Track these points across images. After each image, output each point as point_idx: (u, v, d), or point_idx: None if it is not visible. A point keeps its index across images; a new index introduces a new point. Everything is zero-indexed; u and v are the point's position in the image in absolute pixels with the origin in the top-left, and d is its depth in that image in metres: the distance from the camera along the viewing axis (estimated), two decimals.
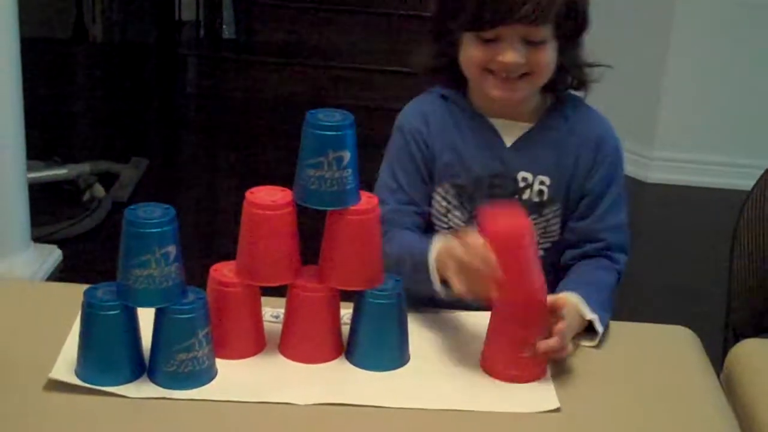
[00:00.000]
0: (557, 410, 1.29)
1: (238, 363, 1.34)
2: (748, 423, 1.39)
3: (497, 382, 1.34)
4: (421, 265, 1.40)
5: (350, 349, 1.37)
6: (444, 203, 1.55)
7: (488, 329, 1.36)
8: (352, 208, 1.32)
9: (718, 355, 1.61)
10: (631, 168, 3.50)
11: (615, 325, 1.49)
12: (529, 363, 1.32)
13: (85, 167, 3.48)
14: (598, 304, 1.43)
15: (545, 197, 1.53)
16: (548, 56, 1.46)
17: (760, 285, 1.73)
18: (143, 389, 1.27)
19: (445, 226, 1.56)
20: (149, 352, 1.29)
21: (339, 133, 1.29)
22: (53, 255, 2.99)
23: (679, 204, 3.77)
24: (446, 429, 1.26)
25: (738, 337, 1.65)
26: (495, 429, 1.26)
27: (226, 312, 1.34)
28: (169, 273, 1.25)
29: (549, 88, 1.53)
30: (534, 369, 1.33)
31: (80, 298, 1.27)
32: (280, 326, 1.38)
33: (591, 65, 1.54)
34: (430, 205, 1.56)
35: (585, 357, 1.41)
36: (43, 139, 3.88)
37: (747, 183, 1.77)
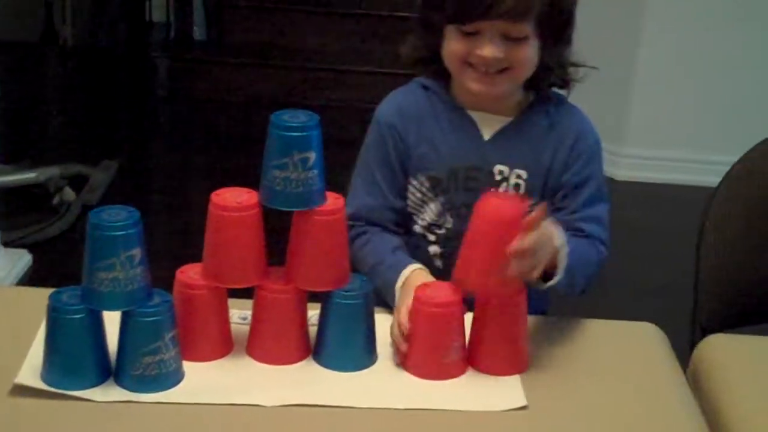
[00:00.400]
0: (524, 408, 1.29)
1: (206, 365, 1.34)
2: (713, 417, 1.40)
3: (464, 381, 1.34)
4: (390, 289, 1.45)
5: (318, 350, 1.37)
6: (419, 195, 1.55)
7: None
8: (318, 208, 1.32)
9: (685, 351, 1.61)
10: None
11: (582, 323, 1.50)
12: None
13: (54, 170, 3.45)
14: (571, 255, 1.39)
15: (521, 191, 1.53)
16: (528, 53, 1.46)
17: (727, 281, 1.74)
18: (109, 393, 1.27)
19: (421, 218, 1.56)
20: (115, 355, 1.29)
21: (304, 134, 1.29)
22: (23, 259, 2.97)
23: (648, 201, 3.79)
24: (414, 428, 1.26)
25: (705, 333, 1.66)
26: (463, 427, 1.27)
27: (193, 314, 1.34)
28: (135, 276, 1.24)
29: (532, 85, 1.54)
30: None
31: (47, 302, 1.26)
32: (247, 328, 1.38)
33: (575, 65, 1.54)
34: (406, 197, 1.57)
35: (552, 354, 1.42)
36: (12, 142, 3.86)
37: (714, 180, 1.78)
